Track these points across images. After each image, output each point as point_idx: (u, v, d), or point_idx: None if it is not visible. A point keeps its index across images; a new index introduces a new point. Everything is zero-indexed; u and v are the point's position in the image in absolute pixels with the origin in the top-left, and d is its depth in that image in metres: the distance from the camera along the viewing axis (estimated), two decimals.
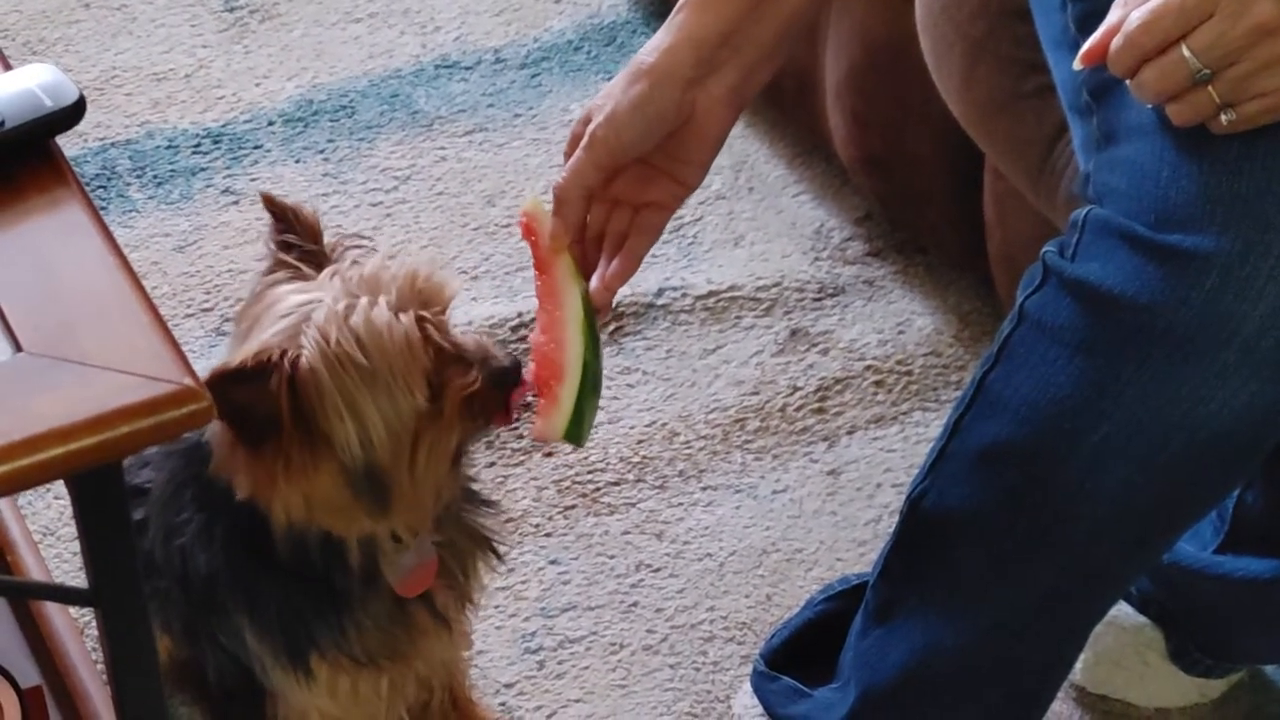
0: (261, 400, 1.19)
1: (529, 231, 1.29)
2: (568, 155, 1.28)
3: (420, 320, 1.23)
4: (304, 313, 1.23)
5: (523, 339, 1.91)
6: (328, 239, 1.30)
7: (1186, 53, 1.07)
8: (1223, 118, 1.10)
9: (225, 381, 1.17)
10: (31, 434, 0.93)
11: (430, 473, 1.26)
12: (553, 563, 1.73)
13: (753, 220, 2.10)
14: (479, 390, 1.25)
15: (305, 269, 1.27)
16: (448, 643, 1.42)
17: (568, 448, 1.77)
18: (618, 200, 1.29)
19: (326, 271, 1.26)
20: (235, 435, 1.22)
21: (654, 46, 1.25)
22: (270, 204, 1.29)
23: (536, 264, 1.30)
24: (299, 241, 1.28)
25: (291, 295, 1.25)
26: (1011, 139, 1.65)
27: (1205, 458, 1.18)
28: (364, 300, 1.22)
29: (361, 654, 1.34)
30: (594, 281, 1.29)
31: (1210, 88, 1.08)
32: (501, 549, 1.42)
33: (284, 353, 1.20)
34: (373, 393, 1.21)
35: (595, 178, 1.26)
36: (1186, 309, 1.12)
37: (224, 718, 1.56)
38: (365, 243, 1.31)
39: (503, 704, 1.61)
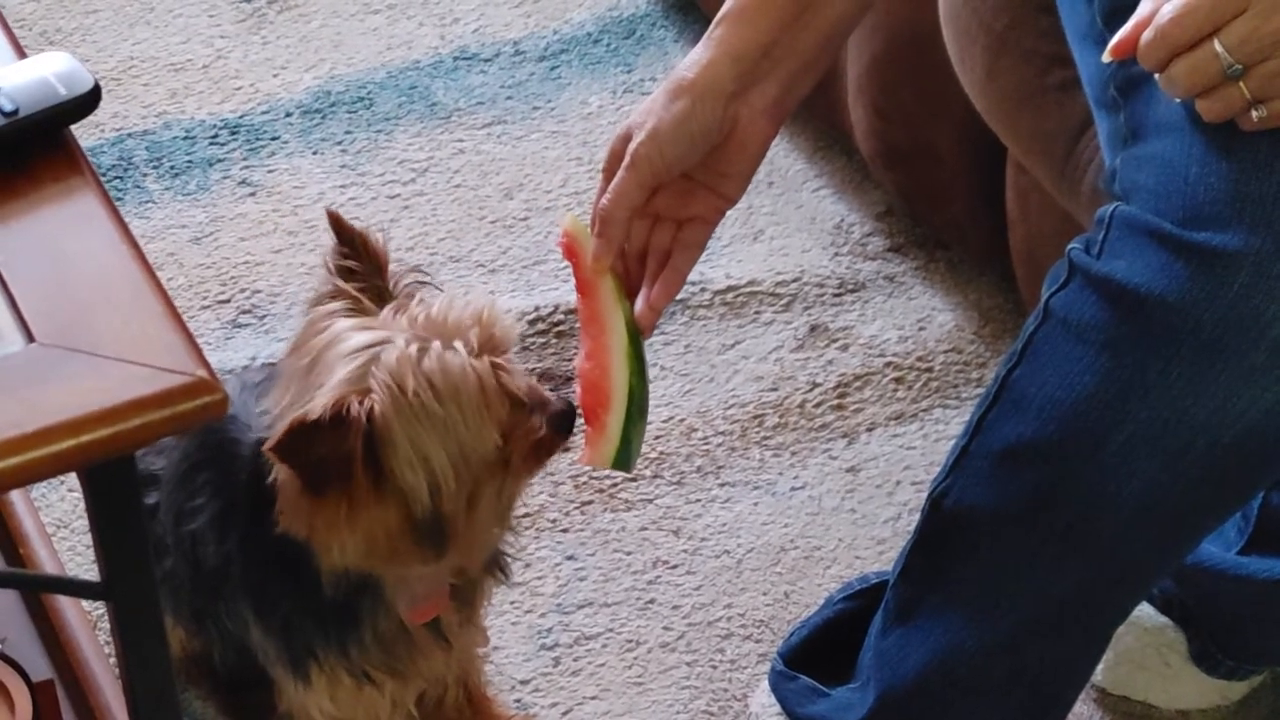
0: (335, 449, 1.16)
1: (570, 253, 1.27)
2: (607, 173, 1.26)
3: (495, 366, 1.20)
4: (372, 354, 1.18)
5: (540, 333, 1.90)
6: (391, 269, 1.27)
7: (1218, 48, 1.06)
8: (1253, 114, 1.08)
9: (303, 433, 1.14)
10: (44, 425, 0.92)
11: (492, 518, 1.24)
12: (569, 559, 1.72)
13: (772, 215, 2.09)
14: (543, 437, 1.23)
15: (365, 301, 1.24)
16: (447, 661, 1.41)
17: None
18: (659, 216, 1.28)
19: (389, 309, 1.22)
20: (303, 483, 1.18)
21: (693, 61, 1.24)
22: (338, 225, 1.25)
23: (579, 286, 1.28)
24: (362, 270, 1.25)
25: (356, 334, 1.20)
26: (1035, 133, 1.64)
27: (1232, 458, 1.17)
28: (436, 344, 1.18)
29: (360, 671, 1.33)
30: (638, 303, 1.28)
31: (1241, 83, 1.07)
32: (510, 566, 1.41)
33: (361, 401, 1.16)
34: (444, 442, 1.18)
35: (639, 196, 1.25)
36: (1215, 308, 1.11)
37: (236, 710, 1.56)
38: (425, 277, 1.28)
39: (518, 700, 1.60)
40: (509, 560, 1.40)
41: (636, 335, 1.26)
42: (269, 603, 1.32)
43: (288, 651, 1.33)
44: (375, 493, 1.19)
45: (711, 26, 1.25)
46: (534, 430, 1.23)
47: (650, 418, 1.84)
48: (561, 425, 1.24)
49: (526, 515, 1.71)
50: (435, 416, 1.18)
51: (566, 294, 1.91)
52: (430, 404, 1.17)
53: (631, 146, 1.24)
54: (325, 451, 1.15)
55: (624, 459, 1.26)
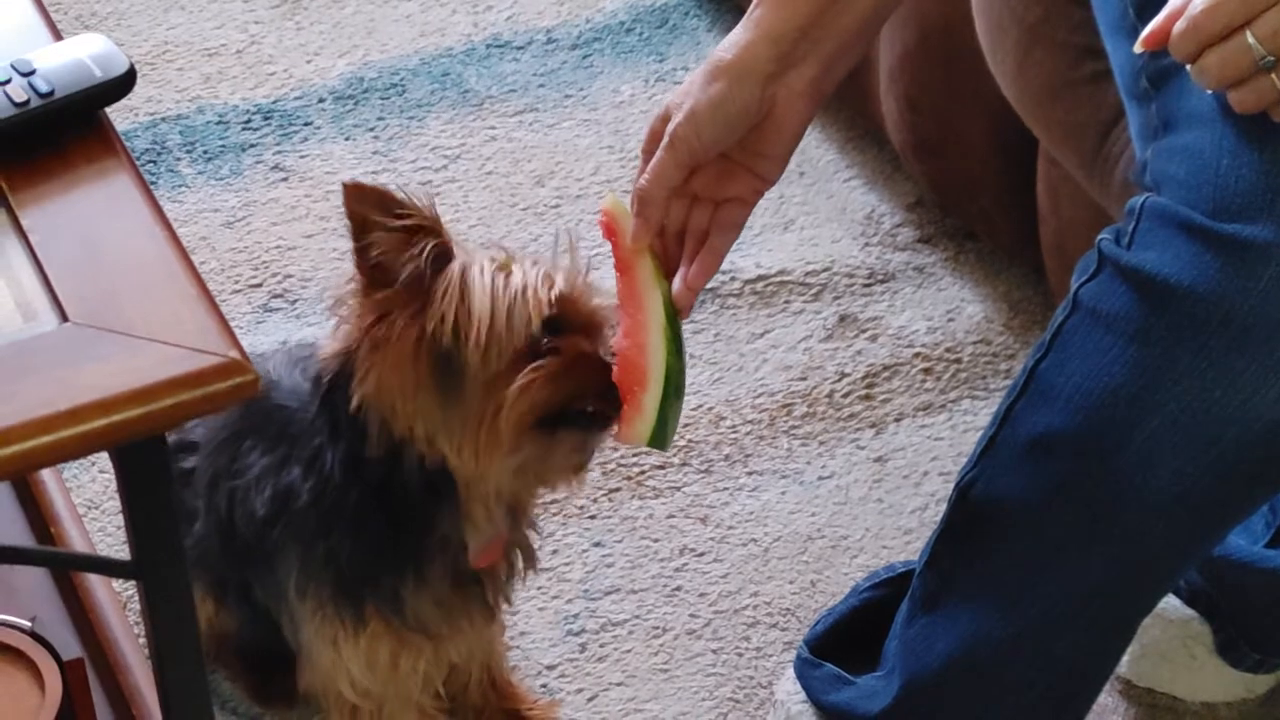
0: (399, 250, 1.21)
1: (609, 231, 1.28)
2: (646, 153, 1.27)
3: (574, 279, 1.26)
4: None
5: None
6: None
7: (1250, 39, 1.06)
8: None
9: (387, 204, 1.20)
10: (76, 405, 0.92)
11: (511, 412, 1.23)
12: (596, 545, 1.72)
13: (803, 205, 2.09)
14: (589, 359, 1.25)
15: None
16: (486, 633, 1.43)
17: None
18: (697, 196, 1.28)
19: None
20: (362, 267, 1.22)
21: (732, 43, 1.24)
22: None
23: (617, 265, 1.29)
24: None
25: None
26: (1066, 125, 1.63)
27: (1260, 450, 1.17)
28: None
29: (413, 620, 1.34)
30: (676, 282, 1.28)
31: (1273, 75, 1.07)
32: (538, 556, 1.43)
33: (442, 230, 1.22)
34: (490, 296, 1.22)
35: (677, 177, 1.25)
36: (1245, 299, 1.11)
37: (264, 692, 1.56)
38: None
39: (544, 685, 1.61)
40: (536, 550, 1.41)
41: (674, 315, 1.27)
42: (321, 545, 1.32)
43: (340, 593, 1.33)
44: (415, 309, 1.22)
45: (751, 8, 1.25)
46: (583, 348, 1.25)
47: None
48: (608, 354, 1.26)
49: (553, 501, 1.72)
50: (491, 281, 1.23)
51: (598, 281, 1.92)
52: (491, 269, 1.23)
53: (670, 127, 1.24)
54: (393, 243, 1.20)
55: (660, 437, 1.27)
